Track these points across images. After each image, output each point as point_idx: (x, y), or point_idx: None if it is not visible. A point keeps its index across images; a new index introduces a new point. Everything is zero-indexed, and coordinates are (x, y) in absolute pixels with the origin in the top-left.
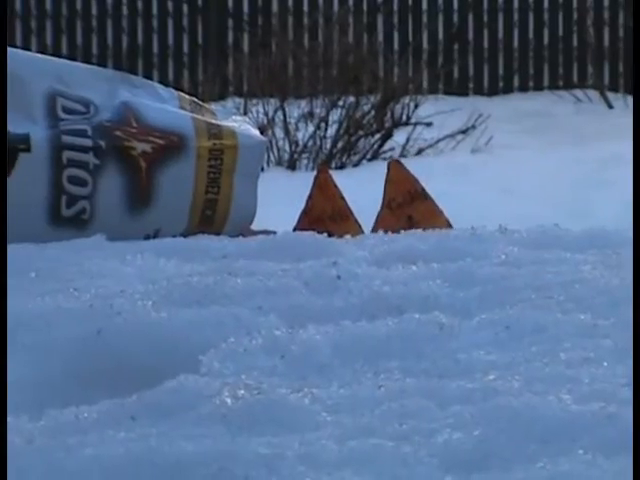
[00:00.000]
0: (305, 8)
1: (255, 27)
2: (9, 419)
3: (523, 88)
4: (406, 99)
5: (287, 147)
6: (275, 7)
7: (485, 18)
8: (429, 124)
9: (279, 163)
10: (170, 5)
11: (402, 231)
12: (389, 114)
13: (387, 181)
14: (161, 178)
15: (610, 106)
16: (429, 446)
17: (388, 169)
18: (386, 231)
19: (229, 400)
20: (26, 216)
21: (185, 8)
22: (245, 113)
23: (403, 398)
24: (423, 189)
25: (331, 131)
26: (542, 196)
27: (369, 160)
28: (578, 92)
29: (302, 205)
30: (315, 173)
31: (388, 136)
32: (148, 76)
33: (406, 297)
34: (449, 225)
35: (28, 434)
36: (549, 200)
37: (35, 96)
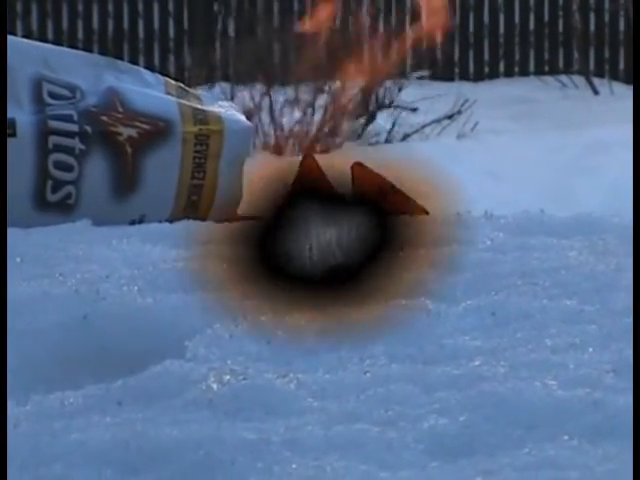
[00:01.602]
0: None
1: (241, 12)
2: None
3: (509, 74)
4: (390, 83)
5: (272, 132)
6: None
7: (471, 2)
8: (415, 109)
9: (265, 148)
10: None
11: None
12: (373, 98)
13: (354, 185)
14: (147, 163)
15: (596, 92)
16: (415, 431)
17: (352, 173)
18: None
19: (215, 385)
20: (11, 201)
21: None
22: (232, 98)
23: (389, 384)
24: (392, 184)
25: (317, 116)
26: (527, 181)
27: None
28: (564, 78)
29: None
30: (300, 158)
31: (371, 119)
32: (134, 61)
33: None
34: (425, 212)
35: (14, 419)
36: (534, 185)
37: (21, 81)
